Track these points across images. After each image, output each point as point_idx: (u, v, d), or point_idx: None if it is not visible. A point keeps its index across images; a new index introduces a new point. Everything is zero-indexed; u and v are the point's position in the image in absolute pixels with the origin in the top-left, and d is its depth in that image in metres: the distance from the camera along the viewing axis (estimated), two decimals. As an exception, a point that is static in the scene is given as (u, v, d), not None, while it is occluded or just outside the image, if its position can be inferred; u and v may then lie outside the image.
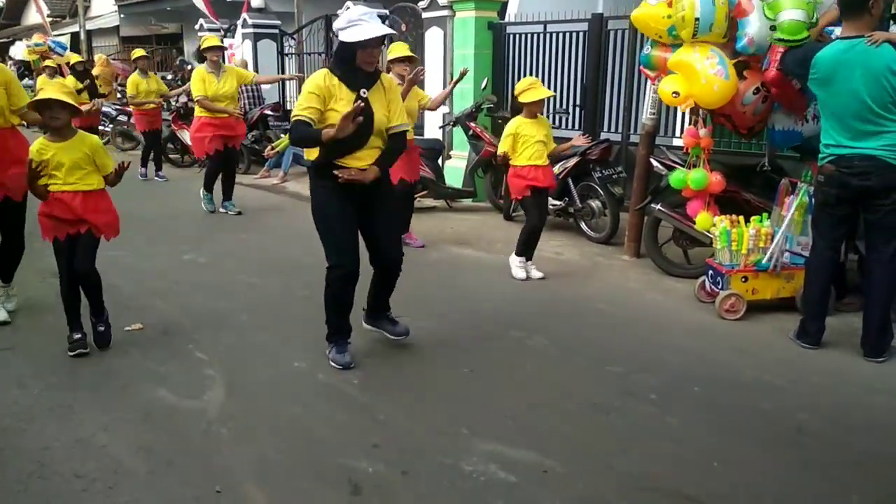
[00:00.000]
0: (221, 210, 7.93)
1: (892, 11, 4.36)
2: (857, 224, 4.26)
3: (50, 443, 3.09)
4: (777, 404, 3.51)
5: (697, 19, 4.59)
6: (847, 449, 3.13)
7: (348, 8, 10.15)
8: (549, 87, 6.47)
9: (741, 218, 4.79)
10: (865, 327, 4.06)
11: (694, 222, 5.16)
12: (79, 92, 9.11)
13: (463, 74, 6.16)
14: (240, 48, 12.40)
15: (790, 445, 3.15)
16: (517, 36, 8.39)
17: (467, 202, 8.41)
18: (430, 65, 8.99)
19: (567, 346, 4.20)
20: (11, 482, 2.82)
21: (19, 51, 18.26)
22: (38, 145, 3.81)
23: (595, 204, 6.63)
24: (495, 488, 2.80)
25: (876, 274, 4.00)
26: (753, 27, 4.59)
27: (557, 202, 6.73)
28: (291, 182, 9.78)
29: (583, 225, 6.78)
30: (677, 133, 7.03)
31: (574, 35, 7.86)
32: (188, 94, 11.32)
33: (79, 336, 3.98)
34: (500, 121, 7.39)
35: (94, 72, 12.83)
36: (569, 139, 5.74)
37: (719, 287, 4.74)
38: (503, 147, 5.33)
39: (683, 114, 6.50)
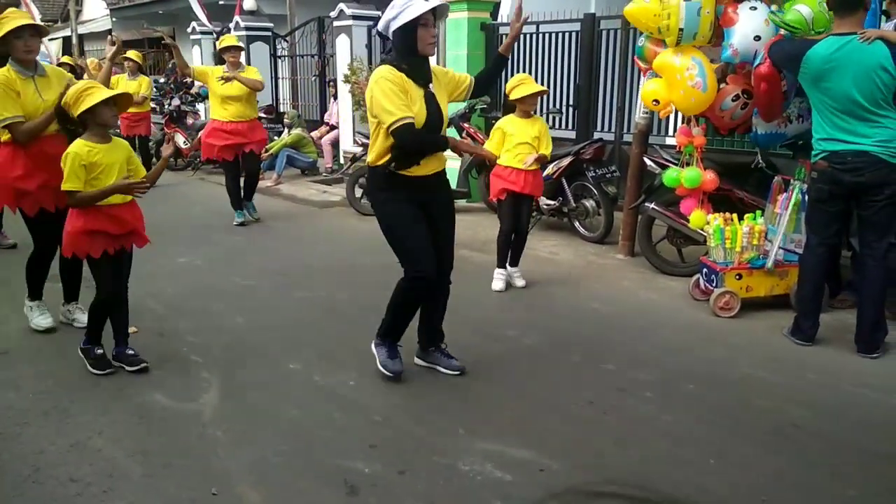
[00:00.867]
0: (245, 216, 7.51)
1: (885, 7, 4.38)
2: (850, 221, 4.28)
3: (45, 447, 3.08)
4: (772, 401, 3.52)
5: (681, 29, 4.66)
6: (842, 445, 3.13)
7: (341, 10, 10.16)
8: (542, 87, 6.46)
9: (735, 216, 4.80)
10: (859, 323, 4.07)
11: (688, 220, 5.17)
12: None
13: None
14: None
15: (785, 442, 3.16)
16: (510, 36, 8.39)
17: (461, 203, 8.39)
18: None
19: (562, 345, 4.21)
20: (6, 487, 2.81)
21: None
22: (85, 146, 3.54)
23: (589, 203, 6.63)
24: (492, 487, 2.80)
25: (869, 270, 4.02)
26: (738, 37, 4.60)
27: (551, 202, 6.73)
28: (286, 185, 9.77)
29: (577, 224, 6.78)
30: (670, 132, 7.05)
31: (567, 35, 7.88)
32: (181, 95, 11.34)
33: (102, 352, 3.86)
34: (493, 121, 7.37)
35: (86, 76, 12.78)
36: (564, 139, 5.71)
37: (713, 285, 4.76)
38: (489, 143, 5.15)
39: (676, 113, 6.52)
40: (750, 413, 3.41)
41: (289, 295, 5.12)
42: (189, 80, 10.08)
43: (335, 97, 11.00)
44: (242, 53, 7.34)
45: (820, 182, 4.05)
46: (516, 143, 5.03)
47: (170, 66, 16.71)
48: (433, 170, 3.55)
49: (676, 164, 5.28)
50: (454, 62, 8.32)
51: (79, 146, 3.55)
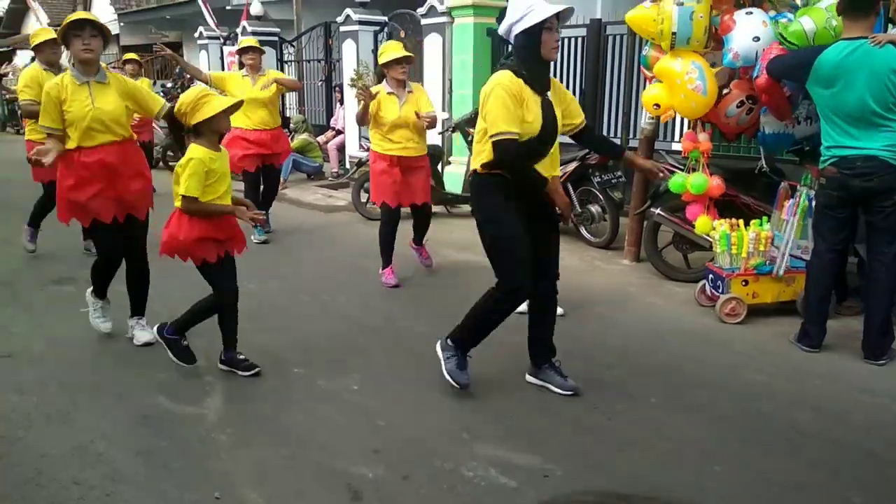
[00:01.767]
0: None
1: (890, 14, 4.36)
2: (857, 227, 4.25)
3: (48, 450, 3.08)
4: (778, 407, 3.50)
5: (674, 33, 4.70)
6: (848, 451, 3.11)
7: (348, 15, 10.16)
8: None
9: (741, 221, 4.78)
10: (866, 329, 4.04)
11: (693, 226, 5.15)
12: None
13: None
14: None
15: (791, 448, 3.13)
16: (516, 41, 8.40)
17: (467, 208, 8.39)
18: (429, 71, 9.01)
19: (567, 350, 4.18)
20: (9, 490, 2.80)
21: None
22: (203, 153, 3.49)
23: (595, 209, 6.62)
24: (496, 493, 2.78)
25: (877, 276, 3.99)
26: (737, 41, 4.63)
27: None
28: (291, 189, 9.78)
29: (582, 230, 6.77)
30: (676, 137, 7.04)
31: (573, 40, 7.89)
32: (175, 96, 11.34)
33: (187, 343, 3.90)
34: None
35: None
36: (569, 144, 5.68)
37: (719, 291, 4.73)
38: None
39: (682, 118, 6.51)
40: (756, 419, 3.39)
41: (293, 299, 5.12)
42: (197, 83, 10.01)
43: (341, 102, 11.03)
44: (263, 56, 6.96)
45: (829, 188, 4.02)
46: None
47: (177, 70, 16.80)
48: (548, 172, 3.44)
49: (682, 170, 5.26)
50: (460, 67, 8.33)
51: (202, 153, 3.49)
